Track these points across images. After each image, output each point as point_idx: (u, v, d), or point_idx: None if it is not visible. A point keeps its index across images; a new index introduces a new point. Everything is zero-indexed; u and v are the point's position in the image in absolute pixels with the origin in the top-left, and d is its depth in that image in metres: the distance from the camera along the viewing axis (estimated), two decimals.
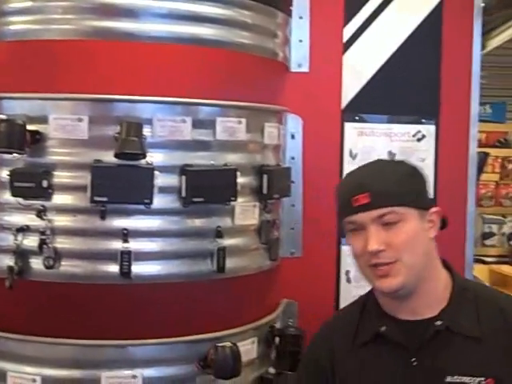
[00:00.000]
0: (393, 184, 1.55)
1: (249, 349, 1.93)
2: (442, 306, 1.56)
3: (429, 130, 2.46)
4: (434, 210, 1.59)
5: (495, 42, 5.36)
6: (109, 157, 1.71)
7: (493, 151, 6.71)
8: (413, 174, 1.61)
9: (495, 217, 6.62)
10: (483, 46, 2.61)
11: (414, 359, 1.53)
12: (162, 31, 1.82)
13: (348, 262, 2.37)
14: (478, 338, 1.52)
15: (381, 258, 1.52)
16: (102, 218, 1.73)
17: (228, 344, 1.81)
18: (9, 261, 1.73)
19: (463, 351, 1.52)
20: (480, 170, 2.79)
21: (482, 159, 2.83)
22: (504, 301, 1.62)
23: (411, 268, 1.52)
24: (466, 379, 1.49)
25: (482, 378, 1.48)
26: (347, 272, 2.38)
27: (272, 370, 2.03)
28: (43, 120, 1.72)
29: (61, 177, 1.73)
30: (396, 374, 1.54)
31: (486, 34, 5.31)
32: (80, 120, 1.71)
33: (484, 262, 6.17)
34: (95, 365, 1.73)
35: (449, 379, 1.49)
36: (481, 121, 2.55)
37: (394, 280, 1.52)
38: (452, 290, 1.59)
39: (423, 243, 1.55)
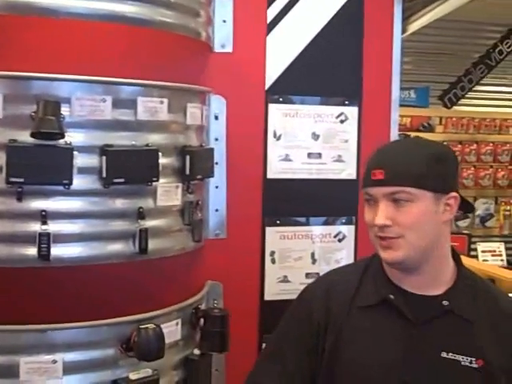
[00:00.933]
0: (409, 165, 1.57)
1: (173, 330, 1.92)
2: (447, 287, 1.63)
3: (352, 112, 2.50)
4: (453, 194, 1.61)
5: (415, 26, 5.47)
6: (25, 136, 1.66)
7: (416, 135, 6.87)
8: (438, 157, 1.60)
9: None
10: (403, 30, 2.65)
11: (415, 331, 1.59)
12: (83, 7, 1.77)
13: (273, 242, 2.40)
14: (473, 320, 1.60)
15: (386, 232, 1.57)
16: (19, 199, 1.68)
17: (151, 326, 1.80)
18: None
19: (460, 331, 1.60)
20: None
21: None
22: (500, 294, 1.71)
23: (413, 246, 1.57)
24: (459, 357, 1.57)
25: (474, 358, 1.56)
26: (272, 253, 2.40)
27: (197, 351, 2.03)
28: None
29: None
30: (395, 342, 1.60)
31: (408, 18, 5.41)
32: None
33: None
34: (14, 350, 1.68)
35: (444, 355, 1.57)
36: (405, 105, 2.62)
37: (395, 253, 1.58)
38: (457, 276, 1.65)
39: (431, 225, 1.58)
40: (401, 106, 2.63)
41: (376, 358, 1.61)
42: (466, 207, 1.72)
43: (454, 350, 1.58)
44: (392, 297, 1.63)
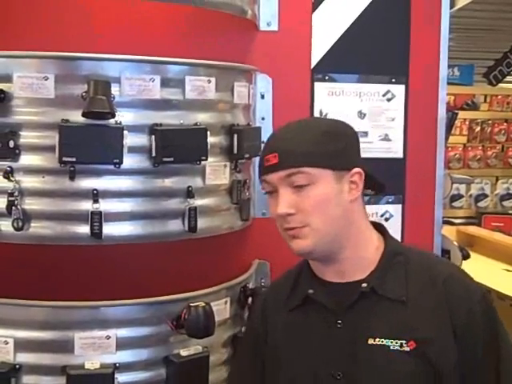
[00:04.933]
0: (302, 143, 1.49)
1: (222, 309, 1.94)
2: (372, 269, 1.53)
3: (398, 90, 2.46)
4: (355, 170, 1.52)
5: (462, 1, 5.37)
6: (77, 116, 1.68)
7: (461, 114, 6.75)
8: (332, 132, 1.52)
9: (463, 176, 6.72)
10: (450, 6, 2.60)
11: (339, 321, 1.51)
12: None
13: None
14: (403, 301, 1.49)
15: (290, 222, 1.49)
16: (71, 178, 1.70)
17: (201, 304, 1.82)
18: None
19: (387, 314, 1.49)
20: (449, 128, 2.81)
21: (451, 118, 2.84)
22: (436, 265, 1.57)
23: (320, 232, 1.48)
24: (387, 342, 1.47)
25: (404, 341, 1.45)
26: None
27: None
28: (7, 79, 1.68)
29: (28, 137, 1.70)
30: (321, 336, 1.53)
31: None
32: (46, 78, 1.67)
33: (452, 224, 6.27)
34: (68, 326, 1.71)
35: (371, 341, 1.48)
36: (449, 83, 2.57)
37: (303, 242, 1.49)
38: (383, 254, 1.55)
39: (337, 207, 1.49)
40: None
41: (307, 358, 1.53)
42: (377, 187, 1.64)
43: (382, 335, 1.47)
44: (311, 291, 1.56)
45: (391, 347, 1.46)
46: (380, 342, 1.47)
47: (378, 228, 1.61)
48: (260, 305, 1.72)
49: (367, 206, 2.39)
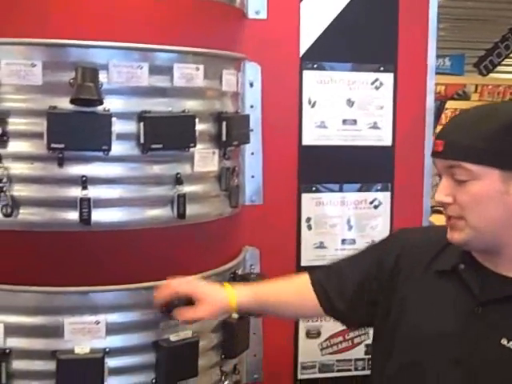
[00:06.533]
0: (471, 136, 1.39)
1: None
2: None
3: (387, 78, 2.48)
4: None
5: None
6: (65, 103, 1.68)
7: (451, 103, 6.79)
8: (508, 128, 1.38)
9: None
10: None
11: (479, 309, 1.46)
12: None
13: (309, 208, 2.41)
14: None
15: (447, 210, 1.45)
16: (60, 165, 1.71)
17: None
18: None
19: None
20: (437, 117, 2.83)
21: (438, 107, 2.86)
22: None
23: (475, 229, 1.42)
24: None
25: None
26: (308, 219, 2.41)
27: (235, 315, 2.06)
28: None
29: (16, 124, 1.70)
30: (456, 316, 1.48)
31: None
32: (33, 65, 1.68)
33: (440, 212, 6.28)
34: (57, 311, 1.73)
35: (504, 342, 1.41)
36: (440, 73, 2.59)
37: (456, 235, 1.45)
38: None
39: (499, 207, 1.39)
40: (435, 73, 2.60)
41: (434, 328, 1.50)
42: None
43: None
44: (462, 266, 1.50)
45: None
46: None
47: None
48: (403, 247, 1.64)
49: (355, 194, 2.46)
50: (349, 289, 1.70)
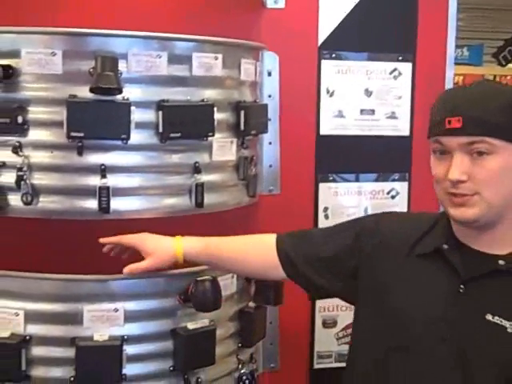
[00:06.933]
0: (490, 112, 1.41)
1: (228, 283, 1.96)
2: None
3: (405, 68, 2.46)
4: None
5: None
6: (84, 92, 1.69)
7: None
8: None
9: None
10: None
11: (462, 286, 1.48)
12: None
13: (326, 198, 2.41)
14: None
15: (459, 188, 1.43)
16: (79, 153, 1.72)
17: (208, 278, 1.84)
18: None
19: None
20: None
21: None
22: None
23: (488, 204, 1.43)
24: (506, 323, 1.43)
25: None
26: (325, 209, 2.41)
27: (252, 304, 2.07)
28: (16, 54, 1.69)
29: (36, 112, 1.72)
30: (440, 296, 1.51)
31: None
32: (53, 54, 1.69)
33: None
34: (77, 299, 1.75)
35: (489, 317, 1.44)
36: (458, 63, 2.57)
37: (469, 211, 1.44)
38: None
39: (509, 181, 1.43)
40: (454, 64, 2.58)
41: (419, 310, 1.52)
42: None
43: (502, 315, 1.43)
44: (446, 247, 1.53)
45: (508, 329, 1.42)
46: (498, 321, 1.44)
47: None
48: (386, 229, 1.67)
49: (372, 184, 2.45)
50: (319, 257, 1.72)
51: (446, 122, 1.44)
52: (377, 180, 2.47)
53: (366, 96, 2.43)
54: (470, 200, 1.43)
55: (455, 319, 1.47)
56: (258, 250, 1.83)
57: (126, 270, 1.74)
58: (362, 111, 2.43)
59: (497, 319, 1.44)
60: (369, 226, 1.72)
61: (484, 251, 1.50)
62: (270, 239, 1.80)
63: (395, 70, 2.46)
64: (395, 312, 1.56)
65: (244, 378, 2.03)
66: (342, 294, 1.77)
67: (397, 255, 1.61)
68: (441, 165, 1.46)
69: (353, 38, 2.40)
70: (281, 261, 1.77)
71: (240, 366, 2.03)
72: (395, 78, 2.46)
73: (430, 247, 1.57)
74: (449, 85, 2.51)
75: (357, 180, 2.45)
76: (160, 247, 1.78)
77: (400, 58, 2.44)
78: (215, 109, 1.85)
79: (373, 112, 2.43)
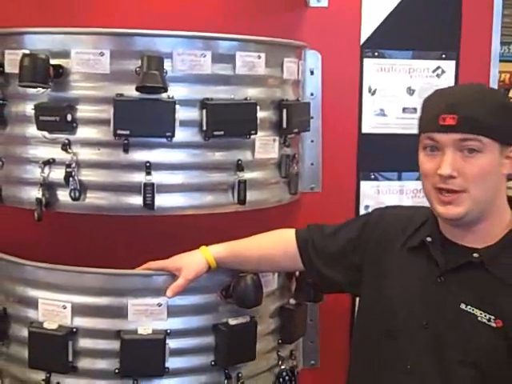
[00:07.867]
0: (483, 112, 1.48)
1: (269, 280, 1.98)
2: (491, 243, 1.55)
3: (449, 66, 2.44)
4: None
5: None
6: (131, 91, 1.73)
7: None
8: (505, 106, 1.53)
9: None
10: None
11: (441, 278, 1.57)
12: None
13: (367, 196, 2.41)
14: (506, 280, 1.51)
15: (449, 184, 1.49)
16: (125, 151, 1.76)
17: (250, 274, 1.86)
18: (37, 193, 1.78)
19: (487, 288, 1.53)
20: None
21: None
22: None
23: (476, 201, 1.50)
24: (476, 311, 1.52)
25: (493, 317, 1.50)
26: (366, 207, 2.41)
27: (292, 301, 2.09)
28: (65, 54, 1.75)
29: (84, 111, 1.76)
30: (422, 286, 1.60)
31: None
32: (102, 54, 1.73)
33: None
34: (122, 293, 1.79)
35: (462, 306, 1.53)
36: (503, 61, 2.53)
37: (456, 209, 1.50)
38: (507, 233, 1.56)
39: (494, 178, 1.51)
40: (499, 61, 2.55)
41: (404, 299, 1.62)
42: None
43: (473, 304, 1.52)
44: (429, 239, 1.62)
45: (479, 318, 1.51)
46: (470, 310, 1.52)
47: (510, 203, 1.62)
48: (385, 224, 1.76)
49: (414, 182, 2.44)
50: (328, 249, 1.82)
51: (440, 118, 1.49)
52: (419, 179, 2.45)
53: (409, 94, 2.42)
54: (458, 198, 1.50)
55: (434, 308, 1.57)
56: (280, 245, 1.90)
57: (169, 293, 1.77)
58: (404, 109, 2.41)
59: (469, 308, 1.53)
60: (374, 218, 1.82)
61: (464, 244, 1.58)
62: (290, 233, 1.89)
63: (438, 68, 2.44)
64: (386, 300, 1.66)
65: (284, 374, 2.05)
66: (348, 286, 1.84)
67: (394, 247, 1.71)
68: (430, 161, 1.53)
69: (395, 36, 2.38)
70: (300, 253, 1.85)
71: (280, 362, 2.05)
72: (438, 76, 2.44)
73: (417, 241, 1.66)
74: (493, 83, 2.48)
75: (399, 179, 2.44)
76: (191, 261, 1.81)
77: (443, 56, 2.42)
78: (258, 107, 1.87)
79: (415, 110, 2.42)
